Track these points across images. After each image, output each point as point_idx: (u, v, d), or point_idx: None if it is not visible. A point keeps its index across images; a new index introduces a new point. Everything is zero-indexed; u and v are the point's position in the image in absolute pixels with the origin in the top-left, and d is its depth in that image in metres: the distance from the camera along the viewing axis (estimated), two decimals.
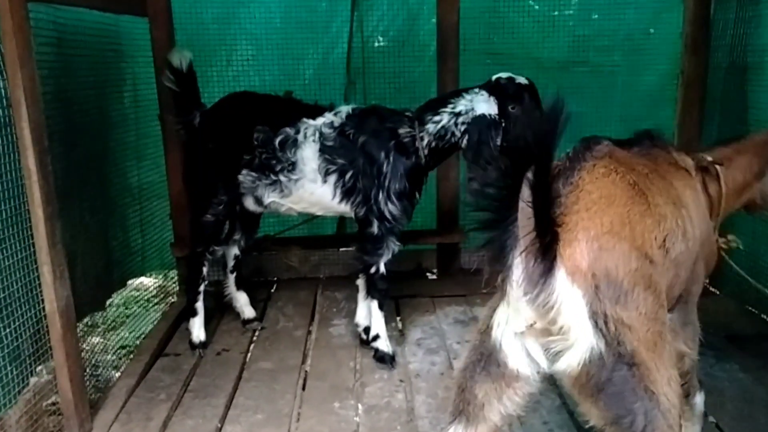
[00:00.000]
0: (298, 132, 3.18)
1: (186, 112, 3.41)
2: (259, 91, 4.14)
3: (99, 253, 3.56)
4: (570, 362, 1.53)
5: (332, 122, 3.17)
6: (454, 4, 3.97)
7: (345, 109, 3.23)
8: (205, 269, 3.47)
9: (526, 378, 1.66)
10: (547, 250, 1.46)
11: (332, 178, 3.17)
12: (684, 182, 1.96)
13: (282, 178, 3.21)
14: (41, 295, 2.56)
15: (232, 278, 3.78)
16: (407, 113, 3.18)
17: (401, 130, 3.12)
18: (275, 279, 4.43)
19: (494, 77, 3.06)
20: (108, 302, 3.89)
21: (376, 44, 4.32)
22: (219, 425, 2.80)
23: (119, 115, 3.83)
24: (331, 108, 3.26)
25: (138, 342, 3.83)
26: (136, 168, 4.01)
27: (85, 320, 4.03)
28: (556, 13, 4.32)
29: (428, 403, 2.94)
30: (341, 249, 4.47)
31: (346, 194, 3.19)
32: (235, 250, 3.72)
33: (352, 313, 3.87)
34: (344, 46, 4.27)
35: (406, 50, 4.24)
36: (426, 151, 3.11)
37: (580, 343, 1.50)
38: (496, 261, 1.52)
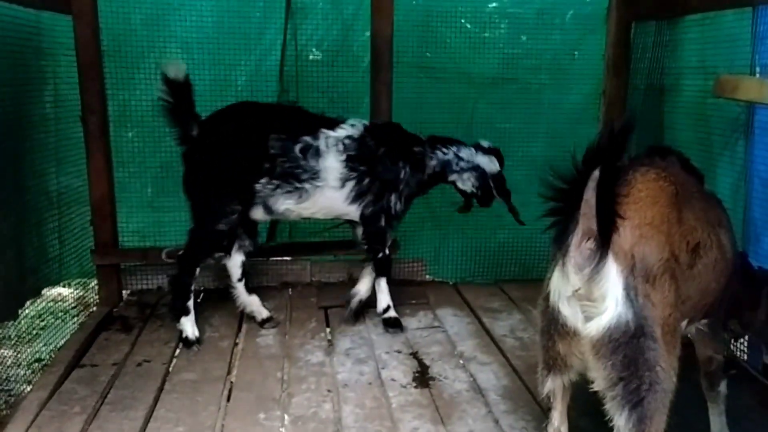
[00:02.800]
0: (317, 140, 3.45)
1: (183, 124, 3.42)
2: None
3: (12, 259, 3.37)
4: (598, 325, 1.82)
5: (352, 135, 3.51)
6: (388, 18, 4.01)
7: (358, 123, 3.58)
8: (197, 271, 3.53)
9: (580, 333, 1.91)
10: (604, 236, 1.76)
11: (350, 183, 3.52)
12: (725, 216, 2.30)
13: (307, 185, 3.46)
14: None
15: (240, 286, 3.76)
16: (419, 135, 3.71)
17: (416, 148, 3.64)
18: (202, 288, 4.32)
19: (485, 144, 3.78)
20: (21, 312, 3.69)
21: (310, 55, 4.31)
22: None
23: (38, 116, 3.65)
24: (341, 120, 3.58)
25: (54, 354, 3.65)
26: (56, 171, 3.82)
27: None
28: (487, 34, 4.42)
29: (356, 413, 2.92)
30: (270, 258, 4.41)
31: (358, 196, 3.55)
32: (241, 258, 3.72)
33: (280, 322, 3.83)
34: (277, 55, 4.24)
35: (339, 61, 4.24)
36: (428, 172, 3.70)
37: (611, 309, 1.78)
38: (558, 240, 1.87)
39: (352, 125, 3.56)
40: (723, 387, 2.54)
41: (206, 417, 2.86)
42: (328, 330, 3.79)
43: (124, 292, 4.22)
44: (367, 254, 3.77)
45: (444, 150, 3.70)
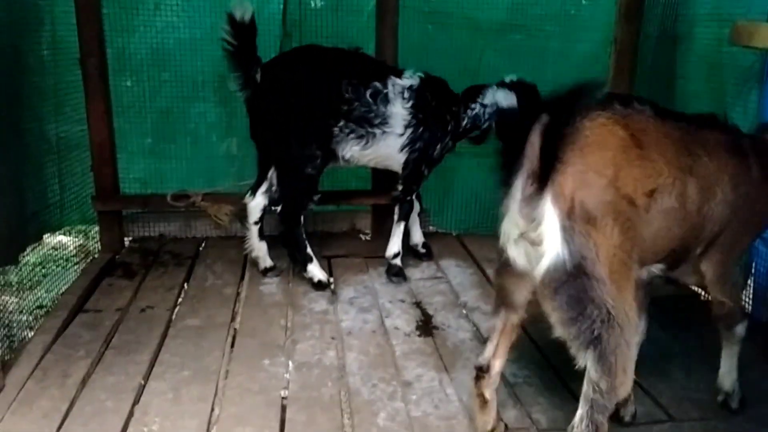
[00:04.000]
0: (386, 87, 3.48)
1: (247, 68, 3.42)
2: (189, 43, 4.00)
3: (12, 203, 3.33)
4: (541, 266, 1.85)
5: (413, 84, 3.54)
6: None
7: (415, 73, 3.60)
8: (302, 219, 3.64)
9: (528, 274, 1.96)
10: (543, 179, 1.80)
11: (409, 131, 3.56)
12: (718, 162, 2.19)
13: (376, 131, 3.51)
14: None
15: (255, 229, 3.76)
16: (457, 94, 3.73)
17: (454, 108, 3.69)
18: (204, 236, 4.30)
19: (507, 78, 3.72)
20: (22, 257, 3.67)
21: (312, 3, 4.19)
22: (143, 382, 2.70)
23: (35, 58, 3.56)
24: (401, 69, 3.64)
25: (56, 301, 3.65)
26: (54, 116, 3.75)
27: None
28: None
29: (360, 360, 2.93)
30: (272, 207, 4.37)
31: (410, 143, 3.59)
32: (264, 202, 3.72)
33: (283, 271, 3.83)
34: (279, 0, 4.11)
35: (343, 5, 4.12)
36: (461, 129, 3.73)
37: (550, 251, 1.83)
38: (505, 182, 1.87)
39: (410, 76, 3.59)
40: (740, 329, 2.56)
41: (211, 362, 2.87)
42: (331, 279, 3.78)
43: (126, 239, 4.21)
44: (399, 194, 3.77)
45: (472, 106, 3.71)
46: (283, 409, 2.57)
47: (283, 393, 2.68)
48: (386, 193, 4.14)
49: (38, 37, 3.60)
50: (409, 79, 3.56)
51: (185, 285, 3.65)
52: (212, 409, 2.55)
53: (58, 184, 3.80)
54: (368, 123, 3.49)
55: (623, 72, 4.02)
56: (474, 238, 4.44)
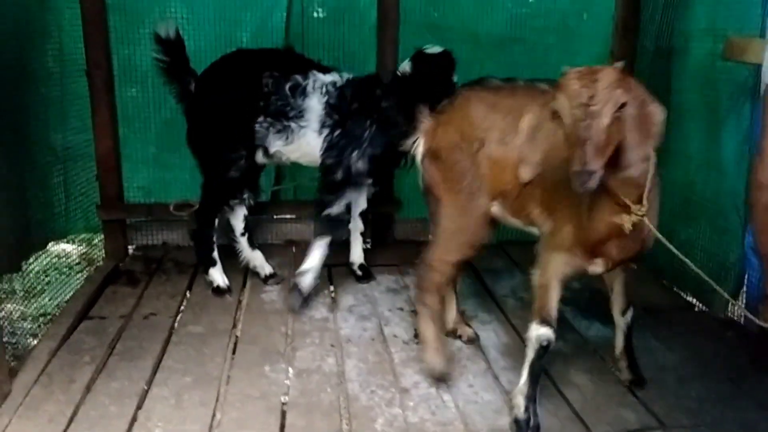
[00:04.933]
0: (306, 80, 3.46)
1: (181, 81, 3.52)
2: (193, 54, 4.05)
3: (17, 211, 3.39)
4: (420, 183, 2.96)
5: (335, 82, 3.50)
6: None
7: (345, 74, 3.57)
8: (216, 221, 3.64)
9: None
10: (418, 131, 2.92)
11: (325, 132, 3.49)
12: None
13: (292, 124, 3.47)
14: None
15: (244, 240, 3.80)
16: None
17: (384, 103, 3.50)
18: None
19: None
20: (27, 265, 3.72)
21: (315, 14, 4.26)
22: (146, 387, 2.75)
23: (42, 69, 3.64)
24: (335, 68, 3.60)
25: (60, 309, 3.69)
26: (61, 126, 3.82)
27: (3, 286, 3.87)
28: None
29: (359, 367, 2.98)
30: (275, 216, 4.43)
31: (328, 148, 3.50)
32: (243, 212, 3.75)
33: (284, 279, 3.87)
34: (282, 12, 4.18)
35: (345, 18, 4.19)
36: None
37: (421, 175, 2.92)
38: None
39: (340, 74, 3.55)
40: (626, 317, 2.84)
41: (213, 368, 2.92)
42: (331, 287, 3.83)
43: (129, 247, 4.26)
44: (314, 207, 3.59)
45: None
46: (283, 414, 2.62)
47: (283, 399, 2.73)
48: (385, 203, 4.21)
49: (45, 48, 3.67)
50: (332, 76, 3.51)
51: (188, 292, 3.71)
52: (214, 414, 2.60)
53: (63, 193, 3.86)
54: (284, 116, 3.46)
55: None
56: None
